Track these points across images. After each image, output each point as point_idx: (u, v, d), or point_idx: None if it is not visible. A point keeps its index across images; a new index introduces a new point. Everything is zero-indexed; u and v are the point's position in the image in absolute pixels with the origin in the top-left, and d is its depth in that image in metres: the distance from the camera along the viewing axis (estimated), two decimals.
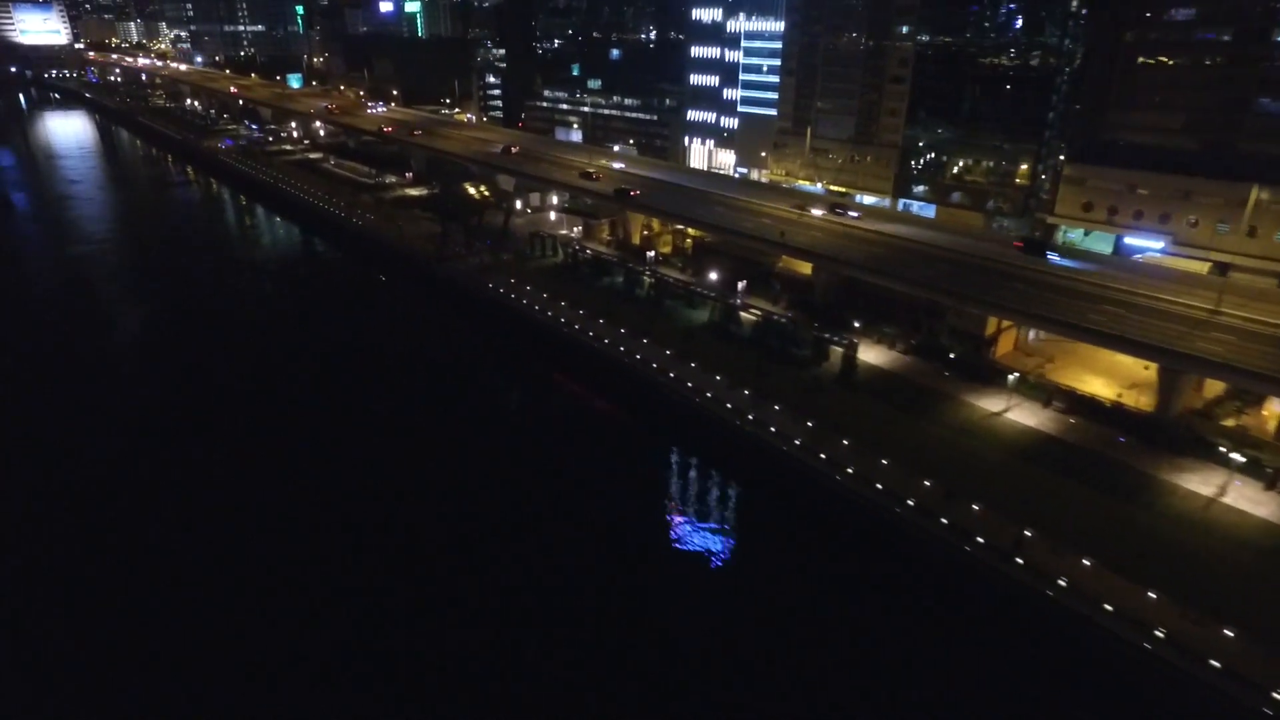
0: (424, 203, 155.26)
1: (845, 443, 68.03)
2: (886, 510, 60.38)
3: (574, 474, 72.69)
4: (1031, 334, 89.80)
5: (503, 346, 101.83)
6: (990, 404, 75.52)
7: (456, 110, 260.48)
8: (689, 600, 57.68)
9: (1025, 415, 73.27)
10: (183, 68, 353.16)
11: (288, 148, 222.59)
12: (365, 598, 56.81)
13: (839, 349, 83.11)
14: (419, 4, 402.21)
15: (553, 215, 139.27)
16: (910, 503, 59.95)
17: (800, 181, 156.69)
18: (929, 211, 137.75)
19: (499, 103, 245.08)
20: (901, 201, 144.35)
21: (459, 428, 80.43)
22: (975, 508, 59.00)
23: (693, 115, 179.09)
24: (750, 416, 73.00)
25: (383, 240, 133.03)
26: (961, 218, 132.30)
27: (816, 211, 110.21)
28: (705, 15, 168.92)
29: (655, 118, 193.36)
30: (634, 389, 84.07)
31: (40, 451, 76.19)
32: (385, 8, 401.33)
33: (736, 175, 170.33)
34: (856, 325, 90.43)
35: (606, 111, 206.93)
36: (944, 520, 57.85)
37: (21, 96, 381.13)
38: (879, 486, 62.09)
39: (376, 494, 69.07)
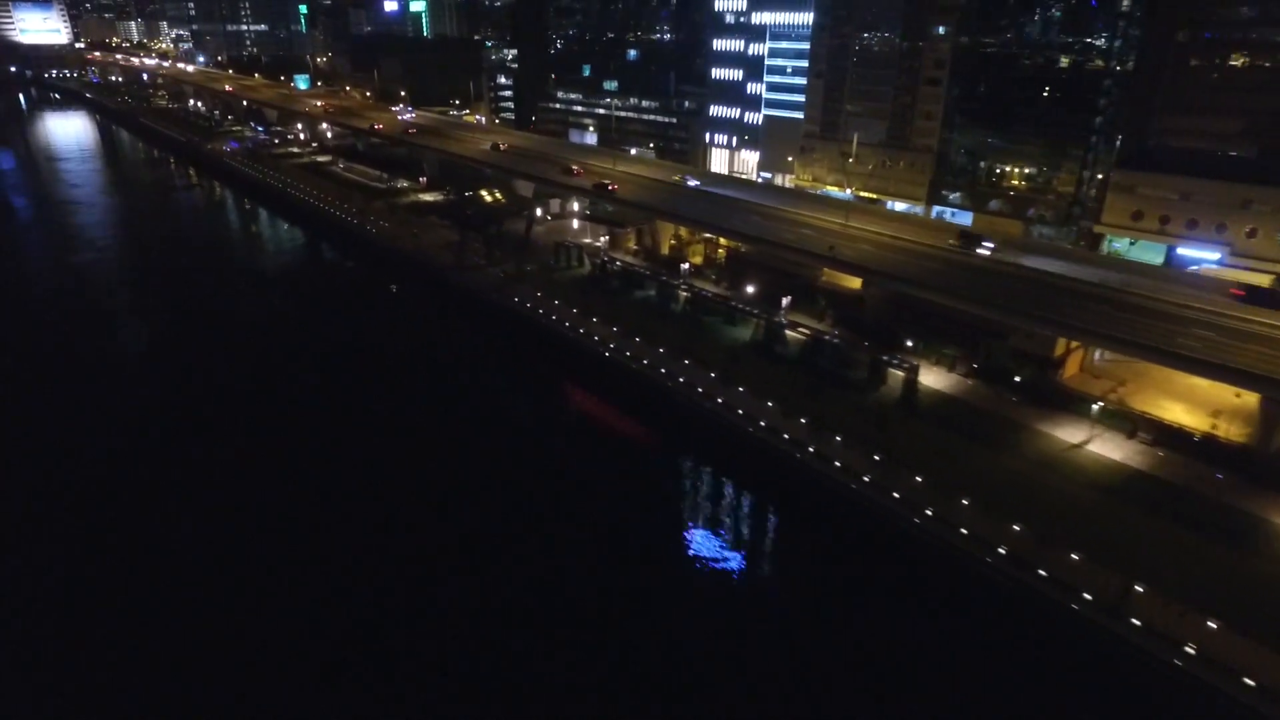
0: (439, 209, 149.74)
1: (918, 479, 62.51)
2: (974, 559, 54.86)
3: (614, 510, 67.12)
4: (1097, 354, 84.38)
5: (529, 365, 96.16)
6: (1067, 434, 69.97)
7: (465, 112, 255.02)
8: (757, 652, 52.20)
9: (1108, 447, 67.73)
10: (189, 69, 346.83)
11: (294, 150, 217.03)
12: (387, 606, 56.02)
13: (898, 372, 77.57)
14: (424, 3, 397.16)
15: (575, 223, 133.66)
16: (1001, 551, 54.45)
17: (829, 187, 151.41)
18: (963, 218, 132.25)
19: (510, 104, 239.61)
20: (935, 208, 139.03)
21: (483, 454, 74.83)
22: (1074, 557, 53.47)
23: (714, 117, 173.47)
24: (811, 449, 67.47)
25: (398, 249, 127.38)
26: (1001, 226, 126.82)
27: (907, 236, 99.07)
28: (729, 11, 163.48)
29: (674, 120, 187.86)
30: (677, 415, 78.43)
31: (51, 460, 71.96)
32: (390, 7, 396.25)
33: (760, 180, 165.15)
34: (909, 344, 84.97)
35: (622, 114, 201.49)
36: (1042, 572, 52.35)
37: (21, 97, 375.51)
38: (964, 531, 56.58)
39: (402, 517, 64.00)
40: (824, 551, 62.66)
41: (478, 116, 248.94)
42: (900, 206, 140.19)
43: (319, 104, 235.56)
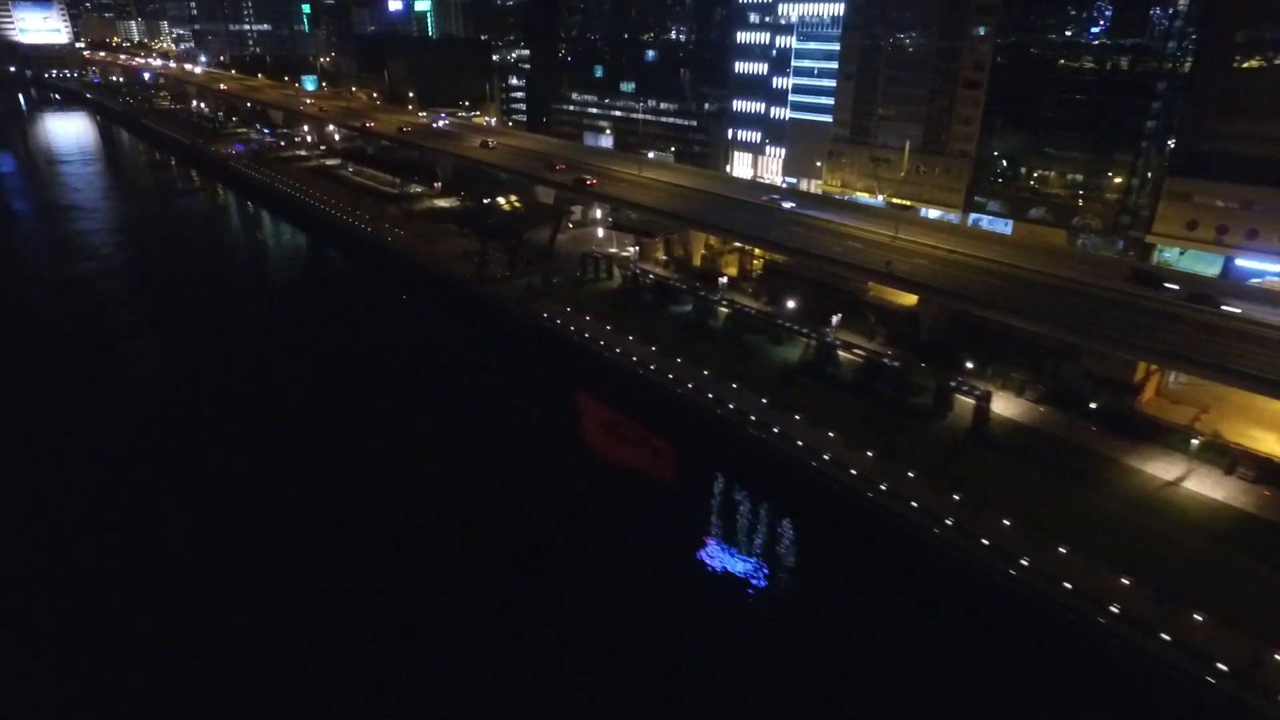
0: (455, 216, 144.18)
1: (1005, 522, 57.08)
2: (1083, 619, 49.41)
3: (661, 553, 61.72)
4: (1172, 377, 78.95)
5: (561, 385, 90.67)
6: (1158, 468, 64.51)
7: (475, 114, 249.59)
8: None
9: (1206, 484, 62.29)
10: (197, 70, 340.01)
11: (302, 153, 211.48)
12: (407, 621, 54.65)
13: (967, 399, 72.08)
14: (429, 3, 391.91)
15: (600, 232, 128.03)
16: (1114, 610, 49.02)
17: (858, 193, 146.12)
18: (998, 226, 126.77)
19: (522, 106, 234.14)
20: (972, 216, 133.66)
21: (513, 484, 69.47)
22: (1198, 618, 48.05)
23: (736, 119, 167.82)
24: (883, 487, 62.06)
25: (415, 259, 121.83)
26: (1043, 235, 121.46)
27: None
28: (753, 5, 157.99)
29: (694, 123, 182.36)
30: (727, 445, 72.94)
31: (57, 467, 66.22)
32: (394, 6, 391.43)
33: (784, 185, 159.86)
34: (969, 366, 79.49)
35: (639, 116, 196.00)
36: (1165, 637, 46.90)
37: (21, 97, 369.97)
38: (1068, 586, 51.14)
39: (431, 536, 58.66)
40: (905, 606, 57.05)
41: (487, 118, 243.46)
42: (933, 214, 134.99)
43: (320, 106, 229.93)
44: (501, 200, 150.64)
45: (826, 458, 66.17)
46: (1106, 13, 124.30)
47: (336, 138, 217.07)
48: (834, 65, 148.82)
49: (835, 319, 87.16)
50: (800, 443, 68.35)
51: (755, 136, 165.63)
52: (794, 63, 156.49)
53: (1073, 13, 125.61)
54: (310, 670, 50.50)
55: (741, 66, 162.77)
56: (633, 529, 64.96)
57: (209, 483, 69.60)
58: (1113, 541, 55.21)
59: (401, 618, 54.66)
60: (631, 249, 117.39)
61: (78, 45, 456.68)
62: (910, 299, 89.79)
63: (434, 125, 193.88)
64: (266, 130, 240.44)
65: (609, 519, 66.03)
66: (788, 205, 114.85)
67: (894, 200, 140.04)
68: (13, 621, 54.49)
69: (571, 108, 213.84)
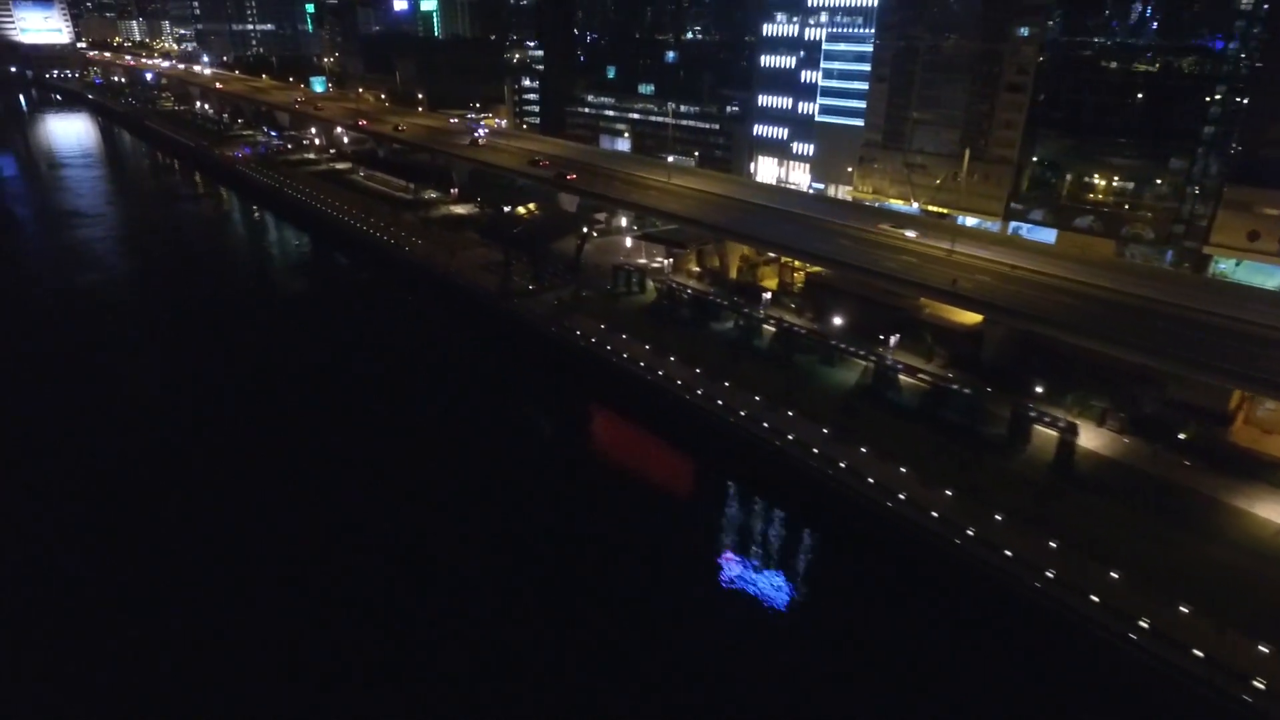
0: (474, 223, 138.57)
1: (1113, 575, 51.52)
2: (1224, 693, 43.88)
3: (733, 605, 56.19)
4: (1264, 405, 73.32)
5: (598, 412, 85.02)
6: (1267, 510, 58.95)
7: (485, 116, 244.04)
8: None
9: None
10: (206, 72, 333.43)
11: (310, 156, 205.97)
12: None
13: (1050, 430, 66.43)
14: (435, 2, 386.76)
15: (628, 242, 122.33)
16: (1260, 685, 43.49)
17: (891, 201, 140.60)
18: (1039, 235, 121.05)
19: (535, 108, 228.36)
20: (1012, 225, 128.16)
21: (549, 527, 63.92)
22: None
23: (762, 122, 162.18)
24: (970, 531, 56.49)
25: (436, 271, 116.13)
26: (1091, 246, 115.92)
27: None
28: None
29: (716, 126, 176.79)
30: (789, 481, 67.28)
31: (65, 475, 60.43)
32: (399, 6, 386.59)
33: (811, 191, 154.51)
34: (1039, 391, 74.00)
35: (657, 119, 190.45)
36: None
37: (22, 97, 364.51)
38: (1198, 654, 45.62)
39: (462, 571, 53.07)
40: (1007, 669, 51.20)
41: (498, 121, 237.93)
42: (971, 222, 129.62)
43: (332, 109, 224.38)
44: (520, 208, 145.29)
45: (902, 497, 60.59)
46: (1160, 13, 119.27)
47: (345, 140, 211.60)
48: (865, 67, 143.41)
49: (893, 339, 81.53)
50: (871, 479, 62.79)
51: (783, 133, 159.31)
52: (823, 64, 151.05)
53: (1124, 12, 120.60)
54: (332, 685, 49.32)
55: (768, 60, 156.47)
56: (690, 575, 59.40)
57: (215, 500, 64.10)
58: (1238, 600, 49.66)
59: (430, 631, 52.77)
60: (662, 261, 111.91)
61: (79, 45, 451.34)
62: (970, 317, 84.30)
63: (474, 135, 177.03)
64: (273, 132, 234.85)
65: (659, 558, 60.48)
66: (911, 234, 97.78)
67: (929, 208, 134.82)
68: (14, 624, 54.02)
69: (587, 110, 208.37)
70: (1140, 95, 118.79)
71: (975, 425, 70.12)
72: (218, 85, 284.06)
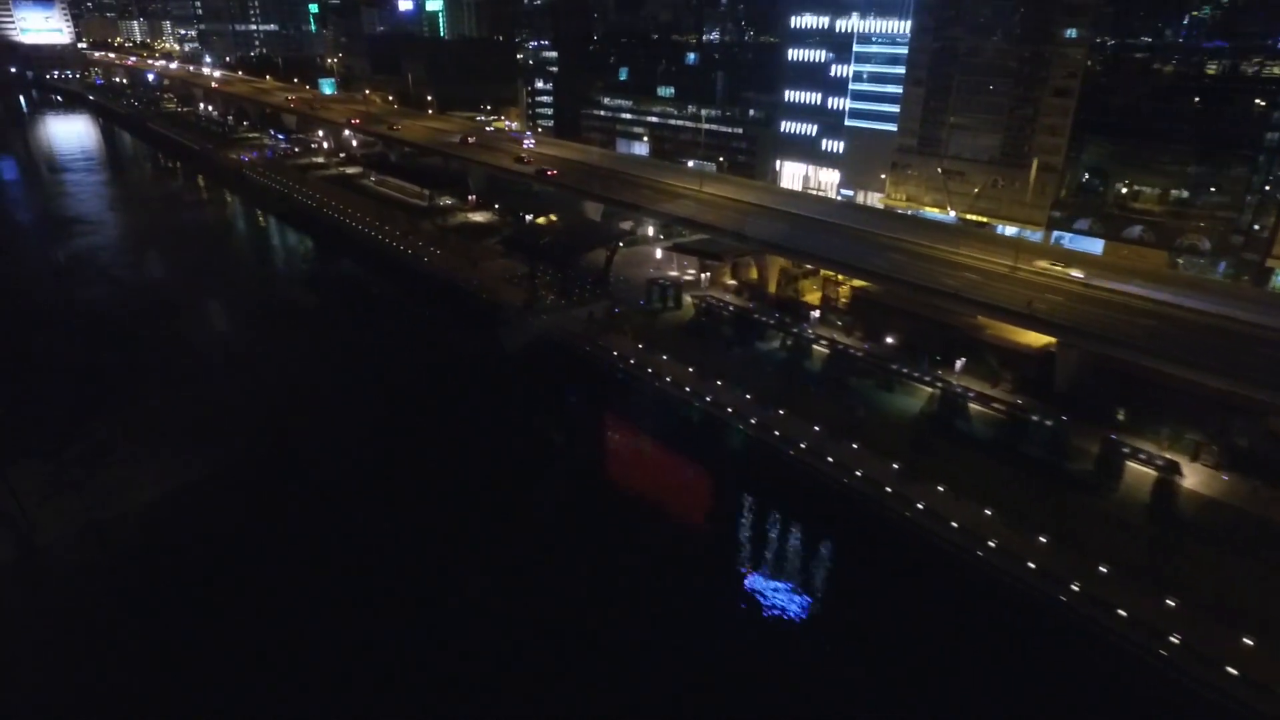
0: (494, 232, 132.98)
1: (1248, 642, 46.16)
2: None
3: (805, 662, 50.77)
4: None
5: (642, 442, 79.19)
6: None
7: (496, 118, 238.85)
8: None
9: None
10: (217, 74, 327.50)
11: (319, 160, 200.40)
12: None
13: (1143, 467, 61.05)
14: (441, 2, 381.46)
15: (657, 253, 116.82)
16: None
17: (926, 209, 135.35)
18: (1082, 245, 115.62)
19: (549, 111, 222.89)
20: (1055, 234, 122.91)
21: (590, 566, 58.58)
22: None
23: (789, 121, 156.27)
24: (1075, 587, 51.08)
25: (457, 283, 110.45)
26: (1142, 257, 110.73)
27: None
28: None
29: (739, 130, 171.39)
30: (863, 525, 61.61)
31: None
32: (404, 6, 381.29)
33: (840, 198, 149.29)
34: (1120, 419, 68.69)
35: (677, 123, 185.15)
36: None
37: (22, 98, 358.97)
38: None
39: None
40: None
41: (508, 123, 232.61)
42: (1010, 231, 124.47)
43: (352, 115, 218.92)
44: (541, 218, 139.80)
45: (993, 544, 55.18)
46: (1218, 12, 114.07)
47: (354, 143, 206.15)
48: (899, 70, 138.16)
49: (959, 363, 76.13)
50: (955, 523, 57.38)
51: (810, 132, 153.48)
52: (854, 66, 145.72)
53: (1179, 12, 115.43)
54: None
55: (797, 54, 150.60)
56: (759, 635, 53.97)
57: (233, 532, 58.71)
58: None
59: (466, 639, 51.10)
60: (693, 274, 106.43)
61: (80, 46, 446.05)
62: (1037, 337, 78.98)
63: (524, 144, 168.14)
64: (280, 135, 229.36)
65: (723, 612, 55.08)
66: (1076, 275, 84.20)
67: (967, 216, 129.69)
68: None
69: (603, 113, 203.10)
70: (1195, 99, 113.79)
71: (1058, 460, 64.69)
72: (214, 85, 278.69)
